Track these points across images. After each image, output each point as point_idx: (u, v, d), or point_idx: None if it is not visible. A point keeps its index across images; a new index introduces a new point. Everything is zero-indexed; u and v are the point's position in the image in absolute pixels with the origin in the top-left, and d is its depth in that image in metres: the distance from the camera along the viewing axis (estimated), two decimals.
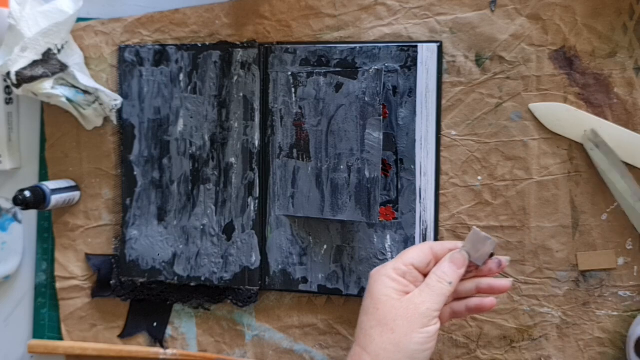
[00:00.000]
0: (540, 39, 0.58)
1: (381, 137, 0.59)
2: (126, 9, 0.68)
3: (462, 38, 0.60)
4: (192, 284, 0.66)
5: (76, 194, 0.69)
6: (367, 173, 0.60)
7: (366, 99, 0.60)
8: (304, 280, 0.64)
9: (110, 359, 0.70)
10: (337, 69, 0.61)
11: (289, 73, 0.62)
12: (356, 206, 0.60)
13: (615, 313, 0.59)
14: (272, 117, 0.63)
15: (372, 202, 0.59)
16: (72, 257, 0.70)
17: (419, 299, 0.50)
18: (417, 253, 0.53)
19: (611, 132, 0.57)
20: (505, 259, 0.53)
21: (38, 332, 0.73)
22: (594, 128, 0.57)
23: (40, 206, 0.65)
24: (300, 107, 0.62)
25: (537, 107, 0.59)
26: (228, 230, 0.65)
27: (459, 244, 0.53)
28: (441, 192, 0.61)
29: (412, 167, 0.60)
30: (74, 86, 0.65)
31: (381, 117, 0.59)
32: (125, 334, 0.70)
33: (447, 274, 0.51)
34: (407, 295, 0.51)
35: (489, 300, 0.53)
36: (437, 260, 0.53)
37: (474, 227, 0.53)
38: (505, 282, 0.53)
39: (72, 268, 0.70)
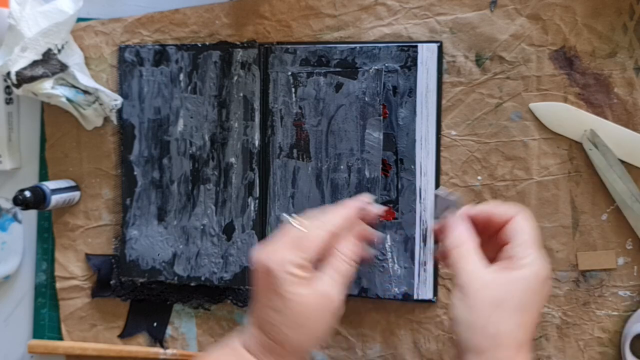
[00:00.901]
0: (540, 39, 0.58)
1: (381, 137, 0.59)
2: (126, 9, 0.68)
3: (462, 38, 0.60)
4: (192, 284, 0.66)
5: (76, 194, 0.69)
6: (367, 173, 0.60)
7: (366, 99, 0.60)
8: None
9: (110, 359, 0.70)
10: (337, 69, 0.61)
11: (289, 73, 0.62)
12: None
13: (615, 313, 0.59)
14: (272, 117, 0.63)
15: None
16: (72, 257, 0.71)
17: (333, 290, 0.47)
18: (318, 243, 0.48)
19: (611, 132, 0.57)
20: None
21: (38, 332, 0.73)
22: (593, 128, 0.57)
23: (40, 206, 0.65)
24: (300, 107, 0.62)
25: (537, 107, 0.59)
26: (228, 230, 0.65)
27: (359, 202, 0.52)
28: None
29: (412, 167, 0.60)
30: (74, 86, 0.65)
31: (381, 117, 0.59)
32: (125, 334, 0.70)
33: (350, 250, 0.49)
34: (315, 281, 0.47)
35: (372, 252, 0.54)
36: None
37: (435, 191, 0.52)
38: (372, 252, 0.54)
39: (72, 268, 0.70)
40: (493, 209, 0.49)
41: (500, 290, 0.44)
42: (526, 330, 0.44)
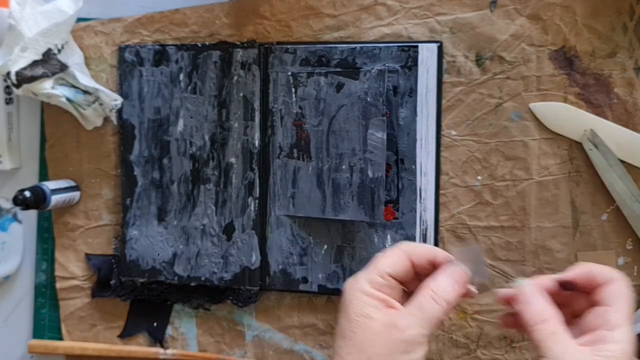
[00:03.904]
0: (540, 39, 0.58)
1: (385, 137, 0.59)
2: (126, 9, 0.68)
3: (462, 38, 0.60)
4: (192, 284, 0.66)
5: (76, 194, 0.69)
6: (370, 173, 0.60)
7: (368, 99, 0.60)
8: (304, 280, 0.64)
9: (110, 359, 0.70)
10: (338, 69, 0.61)
11: (289, 73, 0.62)
12: (359, 206, 0.60)
13: None
14: (272, 117, 0.63)
15: (377, 202, 0.59)
16: (72, 257, 0.70)
17: (404, 322, 0.42)
18: (394, 260, 0.45)
19: (611, 132, 0.57)
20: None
21: (38, 332, 0.73)
22: (593, 128, 0.57)
23: (40, 206, 0.65)
24: (300, 107, 0.62)
25: (537, 107, 0.59)
26: (228, 230, 0.65)
27: (438, 251, 0.46)
28: (441, 192, 0.61)
29: (413, 167, 0.60)
30: (74, 86, 0.65)
31: (384, 118, 0.59)
32: (125, 334, 0.70)
33: (445, 291, 0.43)
34: (390, 311, 0.43)
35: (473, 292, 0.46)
36: (414, 268, 0.46)
37: (452, 248, 0.47)
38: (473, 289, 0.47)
39: (72, 268, 0.70)
40: (593, 269, 0.44)
41: None
42: None
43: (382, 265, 0.44)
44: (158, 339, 0.69)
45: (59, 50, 0.64)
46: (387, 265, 0.44)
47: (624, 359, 0.40)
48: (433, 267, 0.45)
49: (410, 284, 0.46)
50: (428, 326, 0.42)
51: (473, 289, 0.45)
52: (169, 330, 0.69)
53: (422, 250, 0.46)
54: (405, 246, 0.46)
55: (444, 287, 0.43)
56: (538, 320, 0.42)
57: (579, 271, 0.44)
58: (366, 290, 0.44)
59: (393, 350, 0.41)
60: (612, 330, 0.40)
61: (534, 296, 0.43)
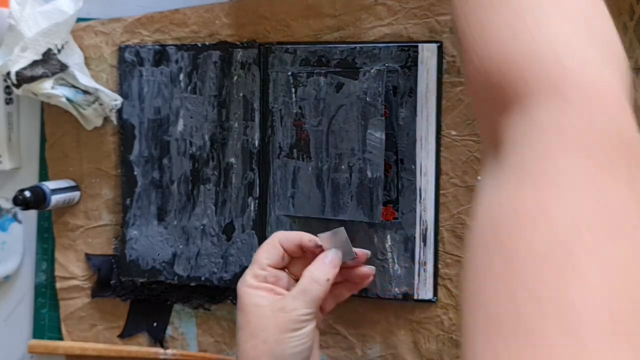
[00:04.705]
0: None
1: (383, 137, 0.59)
2: (126, 9, 0.68)
3: None
4: (192, 284, 0.66)
5: (76, 194, 0.69)
6: (369, 173, 0.60)
7: (367, 99, 0.60)
8: None
9: (110, 359, 0.70)
10: (338, 69, 0.61)
11: (289, 73, 0.62)
12: (358, 206, 0.60)
13: None
14: (272, 117, 0.63)
15: (375, 202, 0.59)
16: (72, 257, 0.70)
17: (290, 305, 0.49)
18: (269, 251, 0.52)
19: None
20: (365, 251, 0.55)
21: (38, 332, 0.73)
22: None
23: (40, 206, 0.65)
24: (300, 107, 0.62)
25: None
26: (228, 230, 0.65)
27: (305, 236, 0.53)
28: (441, 192, 0.61)
29: (413, 167, 0.60)
30: (74, 86, 0.65)
31: (383, 118, 0.59)
32: (125, 334, 0.70)
33: (323, 273, 0.50)
34: (277, 297, 0.49)
35: (368, 269, 0.55)
36: (288, 253, 0.53)
37: (319, 234, 0.53)
38: (368, 269, 0.55)
39: (72, 268, 0.70)
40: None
41: None
42: None
43: (260, 259, 0.52)
44: (158, 339, 0.69)
45: (59, 50, 0.64)
46: (264, 257, 0.52)
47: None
48: (302, 251, 0.53)
49: (294, 269, 0.54)
50: (313, 305, 0.49)
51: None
52: (169, 330, 0.69)
53: (291, 237, 0.53)
54: (277, 235, 0.53)
55: (322, 270, 0.50)
56: None
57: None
58: (252, 284, 0.50)
59: (283, 329, 0.48)
60: None
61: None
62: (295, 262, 0.54)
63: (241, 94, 0.64)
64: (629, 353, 0.22)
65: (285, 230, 0.63)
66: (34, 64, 0.62)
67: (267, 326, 0.48)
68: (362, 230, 0.62)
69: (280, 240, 0.53)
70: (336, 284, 0.53)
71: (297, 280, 0.52)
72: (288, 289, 0.51)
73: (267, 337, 0.48)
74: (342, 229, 0.53)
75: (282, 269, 0.53)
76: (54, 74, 0.63)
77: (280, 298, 0.49)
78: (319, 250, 0.53)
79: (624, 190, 0.25)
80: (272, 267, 0.52)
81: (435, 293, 0.61)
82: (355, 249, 0.54)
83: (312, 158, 0.62)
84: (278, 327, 0.48)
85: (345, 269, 0.54)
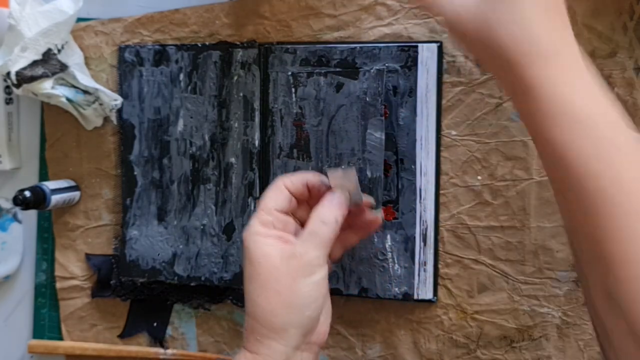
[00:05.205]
0: None
1: (383, 137, 0.59)
2: (126, 9, 0.68)
3: None
4: (192, 284, 0.66)
5: (76, 194, 0.69)
6: (369, 173, 0.60)
7: (367, 99, 0.60)
8: None
9: (110, 359, 0.70)
10: (337, 69, 0.61)
11: (289, 73, 0.62)
12: None
13: None
14: (272, 117, 0.63)
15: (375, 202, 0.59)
16: (72, 257, 0.71)
17: (300, 249, 0.46)
18: (275, 195, 0.49)
19: None
20: (369, 197, 0.54)
21: (38, 332, 0.73)
22: None
23: (40, 206, 0.65)
24: (300, 107, 0.62)
25: None
26: (228, 230, 0.65)
27: (309, 174, 0.52)
28: (441, 192, 0.61)
29: (413, 167, 0.60)
30: (74, 86, 0.65)
31: (383, 118, 0.59)
32: (125, 334, 0.70)
33: (331, 214, 0.47)
34: (287, 246, 0.47)
35: (378, 217, 0.53)
36: (295, 196, 0.50)
37: (327, 170, 0.51)
38: (376, 215, 0.54)
39: (72, 268, 0.70)
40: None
41: None
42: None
43: (266, 203, 0.49)
44: (158, 339, 0.69)
45: (59, 50, 0.64)
46: (270, 201, 0.49)
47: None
48: (309, 191, 0.51)
49: (300, 214, 0.51)
50: (323, 248, 0.46)
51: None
52: (169, 330, 0.69)
53: (296, 178, 0.51)
54: (281, 179, 0.51)
55: (330, 210, 0.48)
56: None
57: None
58: (260, 231, 0.47)
59: (295, 277, 0.45)
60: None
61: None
62: (301, 206, 0.52)
63: (241, 94, 0.64)
64: None
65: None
66: (34, 64, 0.62)
67: (278, 277, 0.45)
68: None
69: (285, 183, 0.50)
70: (342, 229, 0.50)
71: (303, 225, 0.49)
72: (295, 235, 0.49)
73: (280, 288, 0.45)
74: (353, 169, 0.50)
75: (288, 213, 0.51)
76: (54, 74, 0.63)
77: (289, 245, 0.47)
78: (325, 189, 0.50)
79: None
80: (278, 211, 0.49)
81: (435, 293, 0.61)
82: (365, 195, 0.51)
83: (312, 158, 0.62)
84: (290, 275, 0.45)
85: (350, 215, 0.51)
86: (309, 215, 0.49)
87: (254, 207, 0.64)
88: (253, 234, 0.48)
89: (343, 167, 0.50)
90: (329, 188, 0.51)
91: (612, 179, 0.34)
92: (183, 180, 0.66)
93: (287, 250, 0.46)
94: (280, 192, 0.50)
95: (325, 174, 0.52)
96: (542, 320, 0.60)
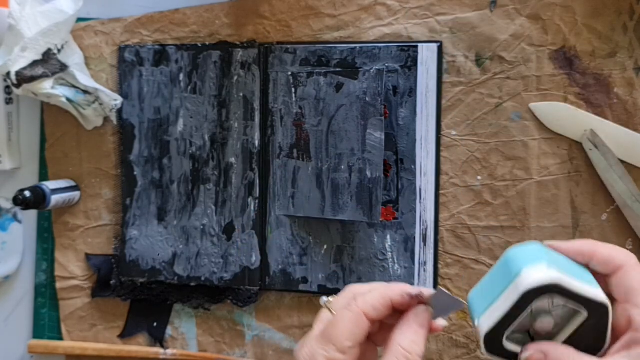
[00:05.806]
0: (540, 39, 0.58)
1: (383, 137, 0.59)
2: (126, 9, 0.68)
3: (462, 38, 0.60)
4: (192, 284, 0.66)
5: (76, 194, 0.69)
6: (368, 173, 0.60)
7: (367, 99, 0.60)
8: (304, 280, 0.64)
9: (110, 359, 0.70)
10: (337, 69, 0.61)
11: (289, 73, 0.62)
12: (357, 206, 0.60)
13: None
14: (272, 117, 0.63)
15: (374, 202, 0.59)
16: (72, 257, 0.70)
17: None
18: (352, 327, 0.38)
19: (611, 132, 0.57)
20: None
21: (38, 332, 0.73)
22: (593, 128, 0.57)
23: (40, 206, 0.65)
24: (300, 107, 0.62)
25: (537, 107, 0.59)
26: (228, 230, 0.65)
27: (390, 290, 0.40)
28: (441, 192, 0.61)
29: (413, 167, 0.60)
30: (74, 86, 0.65)
31: (382, 118, 0.59)
32: (125, 334, 0.70)
33: (415, 345, 0.38)
34: None
35: (442, 323, 0.41)
36: (375, 321, 0.40)
37: (440, 287, 0.44)
38: (443, 322, 0.41)
39: (72, 268, 0.70)
40: (596, 247, 0.39)
41: None
42: None
43: (340, 338, 0.38)
44: (158, 339, 0.69)
45: (59, 50, 0.64)
46: (346, 335, 0.38)
47: None
48: (394, 311, 0.40)
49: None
50: None
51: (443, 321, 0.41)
52: (169, 330, 0.69)
53: (377, 301, 0.39)
54: (359, 304, 0.39)
55: (412, 339, 0.38)
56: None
57: (571, 248, 0.39)
58: None
59: None
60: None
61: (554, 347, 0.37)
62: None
63: (241, 94, 0.64)
64: None
65: (286, 231, 0.63)
66: (34, 64, 0.62)
67: None
68: (362, 230, 0.62)
69: (365, 311, 0.39)
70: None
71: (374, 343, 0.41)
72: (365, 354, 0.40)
73: None
74: (464, 304, 0.39)
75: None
76: (54, 74, 0.63)
77: None
78: (408, 299, 0.40)
79: None
80: (354, 347, 0.38)
81: None
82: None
83: (312, 158, 0.62)
84: None
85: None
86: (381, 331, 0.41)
87: (254, 207, 0.64)
88: None
89: (453, 295, 0.40)
90: (413, 298, 0.40)
91: None
92: (183, 180, 0.66)
93: None
94: (359, 322, 0.39)
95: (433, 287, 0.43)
96: None
